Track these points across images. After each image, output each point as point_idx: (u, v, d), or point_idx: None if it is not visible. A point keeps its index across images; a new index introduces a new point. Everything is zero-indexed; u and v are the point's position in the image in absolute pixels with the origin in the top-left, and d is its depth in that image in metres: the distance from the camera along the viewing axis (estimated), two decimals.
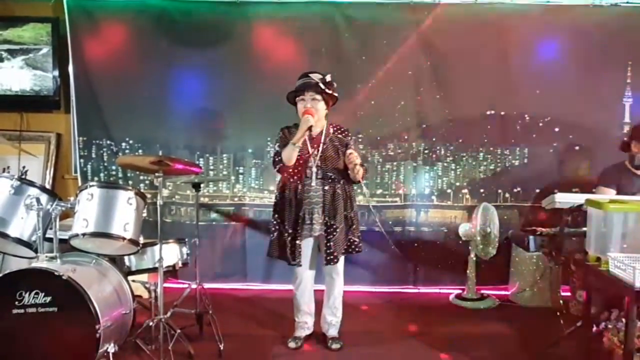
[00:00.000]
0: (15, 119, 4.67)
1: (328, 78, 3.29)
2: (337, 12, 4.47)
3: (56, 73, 4.58)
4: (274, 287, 4.63)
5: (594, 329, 2.88)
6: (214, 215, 4.68)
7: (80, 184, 4.61)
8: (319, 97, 3.26)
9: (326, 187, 3.29)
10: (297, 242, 3.29)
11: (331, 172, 3.30)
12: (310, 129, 3.20)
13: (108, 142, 4.63)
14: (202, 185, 3.69)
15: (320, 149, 3.29)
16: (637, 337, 2.47)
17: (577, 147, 4.52)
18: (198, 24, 4.49)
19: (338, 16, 4.47)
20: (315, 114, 3.22)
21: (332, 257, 3.31)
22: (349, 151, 3.24)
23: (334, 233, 3.29)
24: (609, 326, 2.75)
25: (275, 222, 3.39)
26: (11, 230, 2.93)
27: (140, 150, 4.59)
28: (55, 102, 4.64)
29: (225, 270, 4.67)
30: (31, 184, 3.05)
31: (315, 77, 3.26)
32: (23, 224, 2.97)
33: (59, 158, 4.75)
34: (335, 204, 3.29)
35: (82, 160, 4.65)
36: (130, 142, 4.61)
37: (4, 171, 4.44)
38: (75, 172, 4.70)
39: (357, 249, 3.43)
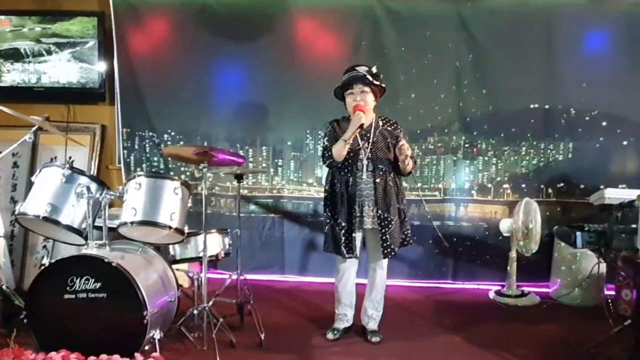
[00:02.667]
0: (62, 110, 4.79)
1: (374, 70, 3.28)
2: (378, 3, 4.44)
3: (102, 66, 4.68)
4: (310, 279, 4.67)
5: None
6: (252, 207, 4.73)
7: (124, 174, 4.73)
8: (367, 89, 3.25)
9: (377, 180, 3.27)
10: (353, 235, 3.29)
11: (382, 164, 3.28)
12: (362, 126, 3.19)
13: (150, 133, 4.73)
14: (243, 177, 3.73)
15: (371, 141, 3.28)
16: None
17: (624, 142, 4.38)
18: (239, 17, 4.53)
19: (378, 8, 4.44)
20: (365, 108, 3.21)
21: (389, 249, 3.30)
22: (401, 142, 3.22)
23: (389, 226, 3.27)
24: None
25: (328, 216, 3.40)
26: (63, 218, 3.03)
27: (181, 142, 4.66)
28: (101, 95, 4.75)
29: (263, 262, 4.71)
30: (82, 173, 3.15)
31: (362, 69, 3.25)
32: (74, 212, 3.06)
33: (103, 149, 4.85)
34: (388, 196, 3.28)
35: (125, 152, 4.76)
36: (172, 133, 4.70)
37: (51, 161, 4.64)
38: (119, 162, 4.81)
39: (410, 242, 3.45)
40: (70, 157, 4.11)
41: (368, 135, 3.29)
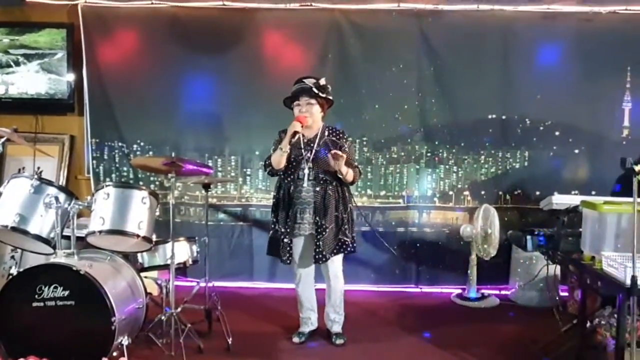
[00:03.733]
0: (30, 121, 4.80)
1: (322, 82, 3.40)
2: (343, 18, 4.61)
3: (70, 77, 4.73)
4: (278, 285, 4.76)
5: (588, 325, 3.00)
6: (221, 215, 4.83)
7: (93, 184, 4.77)
8: (313, 101, 3.38)
9: (317, 188, 3.38)
10: (286, 240, 3.41)
11: (323, 173, 3.39)
12: (295, 134, 3.29)
13: (120, 144, 4.79)
14: (211, 186, 3.83)
15: (313, 151, 3.39)
16: (628, 333, 2.57)
17: (576, 151, 4.63)
18: (207, 30, 4.64)
19: (344, 22, 4.61)
20: (309, 119, 3.34)
21: (320, 255, 3.40)
22: (333, 151, 3.25)
23: (323, 233, 3.38)
24: (602, 322, 2.86)
25: (272, 221, 3.53)
26: (31, 227, 3.07)
27: (150, 152, 4.74)
28: (69, 105, 4.80)
29: (233, 269, 4.80)
30: (50, 183, 3.20)
31: (309, 81, 3.38)
32: (42, 222, 3.10)
33: (72, 159, 4.90)
34: (326, 204, 3.38)
35: (94, 162, 4.81)
36: (142, 144, 4.77)
37: (19, 172, 4.63)
38: (88, 172, 4.85)
39: (348, 249, 3.49)
40: (39, 168, 4.13)
41: (312, 145, 3.41)
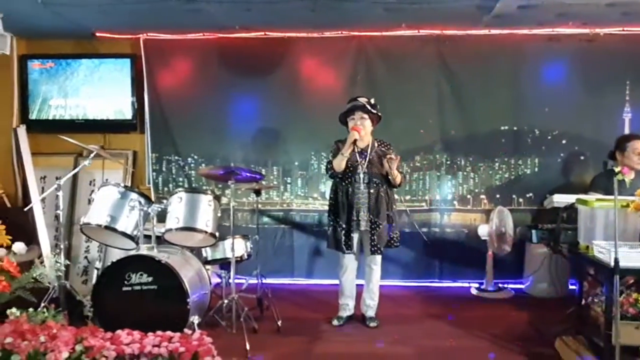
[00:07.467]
0: (99, 139, 5.48)
1: (373, 101, 4.07)
2: (370, 44, 5.22)
3: (133, 100, 5.42)
4: (316, 281, 5.37)
5: (584, 302, 3.52)
6: (266, 219, 5.45)
7: (153, 193, 5.44)
8: (366, 116, 4.02)
9: (371, 191, 4.00)
10: (346, 235, 4.02)
11: (375, 177, 4.02)
12: (355, 142, 3.92)
13: (176, 157, 5.47)
14: (261, 192, 4.46)
15: (367, 159, 4.01)
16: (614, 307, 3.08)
17: (582, 157, 5.15)
18: (251, 57, 5.28)
19: (371, 47, 5.23)
20: (362, 130, 3.96)
21: (376, 248, 4.03)
22: (388, 156, 3.94)
23: (378, 228, 4.00)
24: (595, 300, 3.38)
25: (331, 220, 4.12)
26: (119, 226, 3.76)
27: (203, 165, 5.40)
28: (133, 125, 5.48)
29: (275, 267, 5.36)
30: (132, 190, 3.89)
31: (362, 100, 4.04)
32: (127, 221, 3.78)
33: (135, 171, 5.58)
34: (379, 204, 4.01)
35: (154, 173, 5.50)
36: (195, 157, 5.45)
37: (90, 184, 5.38)
38: (149, 183, 5.53)
39: (396, 244, 4.15)
40: (107, 179, 4.87)
41: (365, 153, 4.03)
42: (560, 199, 3.86)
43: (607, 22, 4.80)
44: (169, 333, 3.27)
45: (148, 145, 5.49)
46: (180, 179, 5.50)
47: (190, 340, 3.02)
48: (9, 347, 2.90)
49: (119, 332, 3.26)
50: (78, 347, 2.97)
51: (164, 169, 5.51)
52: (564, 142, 5.16)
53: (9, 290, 3.29)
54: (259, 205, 5.33)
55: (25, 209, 4.38)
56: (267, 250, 5.40)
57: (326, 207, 4.27)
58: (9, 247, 3.55)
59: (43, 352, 2.93)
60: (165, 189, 5.49)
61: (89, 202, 5.24)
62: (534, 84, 5.16)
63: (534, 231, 3.70)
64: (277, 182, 5.40)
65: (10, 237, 3.64)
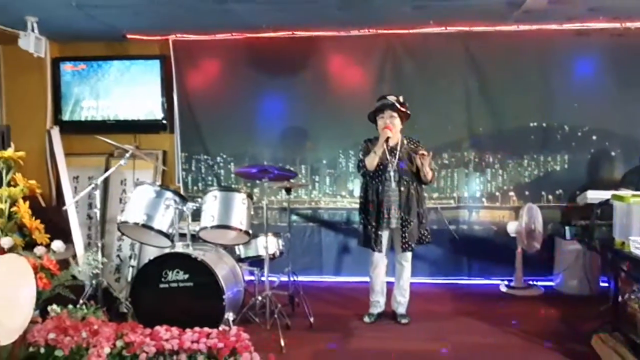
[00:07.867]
0: (129, 139, 5.56)
1: (401, 99, 4.08)
2: (398, 41, 5.24)
3: (163, 100, 5.50)
4: (345, 279, 5.40)
5: (620, 299, 3.50)
6: (294, 217, 5.49)
7: (182, 192, 5.51)
8: (395, 114, 4.04)
9: (402, 188, 4.03)
10: (380, 232, 4.04)
11: (406, 175, 4.04)
12: (387, 140, 3.94)
13: (205, 157, 5.55)
14: (292, 190, 4.51)
15: (397, 156, 4.03)
16: None
17: (612, 153, 5.10)
18: (279, 56, 5.33)
19: (398, 45, 5.24)
20: (392, 129, 3.98)
21: (406, 245, 4.05)
22: (420, 152, 3.95)
23: (409, 226, 4.03)
24: (632, 297, 3.35)
25: (362, 217, 4.15)
26: (155, 224, 3.82)
27: (232, 164, 5.47)
28: (162, 125, 5.56)
29: (304, 264, 5.38)
30: (167, 188, 3.96)
31: (392, 98, 4.06)
32: (163, 220, 3.85)
33: (165, 170, 5.66)
34: (410, 202, 4.03)
35: (184, 172, 5.59)
36: (224, 156, 5.52)
37: (122, 183, 5.48)
38: (178, 182, 5.61)
39: (427, 240, 4.17)
40: (137, 179, 4.95)
41: (395, 152, 4.05)
42: (595, 196, 3.85)
43: (638, 15, 4.74)
44: (207, 329, 3.34)
45: (178, 145, 5.57)
46: (210, 178, 5.57)
47: (228, 336, 3.09)
48: (52, 342, 3.00)
49: (158, 328, 3.34)
50: (119, 343, 3.06)
51: (193, 168, 5.59)
52: (594, 138, 5.13)
53: (49, 288, 3.38)
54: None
55: (63, 209, 4.47)
56: (296, 248, 5.40)
57: (354, 205, 4.32)
58: (47, 246, 3.65)
59: (85, 347, 3.03)
60: (195, 187, 5.57)
61: (121, 201, 5.35)
62: (563, 80, 5.13)
63: (567, 228, 3.70)
64: (305, 181, 5.43)
65: (48, 236, 3.74)
